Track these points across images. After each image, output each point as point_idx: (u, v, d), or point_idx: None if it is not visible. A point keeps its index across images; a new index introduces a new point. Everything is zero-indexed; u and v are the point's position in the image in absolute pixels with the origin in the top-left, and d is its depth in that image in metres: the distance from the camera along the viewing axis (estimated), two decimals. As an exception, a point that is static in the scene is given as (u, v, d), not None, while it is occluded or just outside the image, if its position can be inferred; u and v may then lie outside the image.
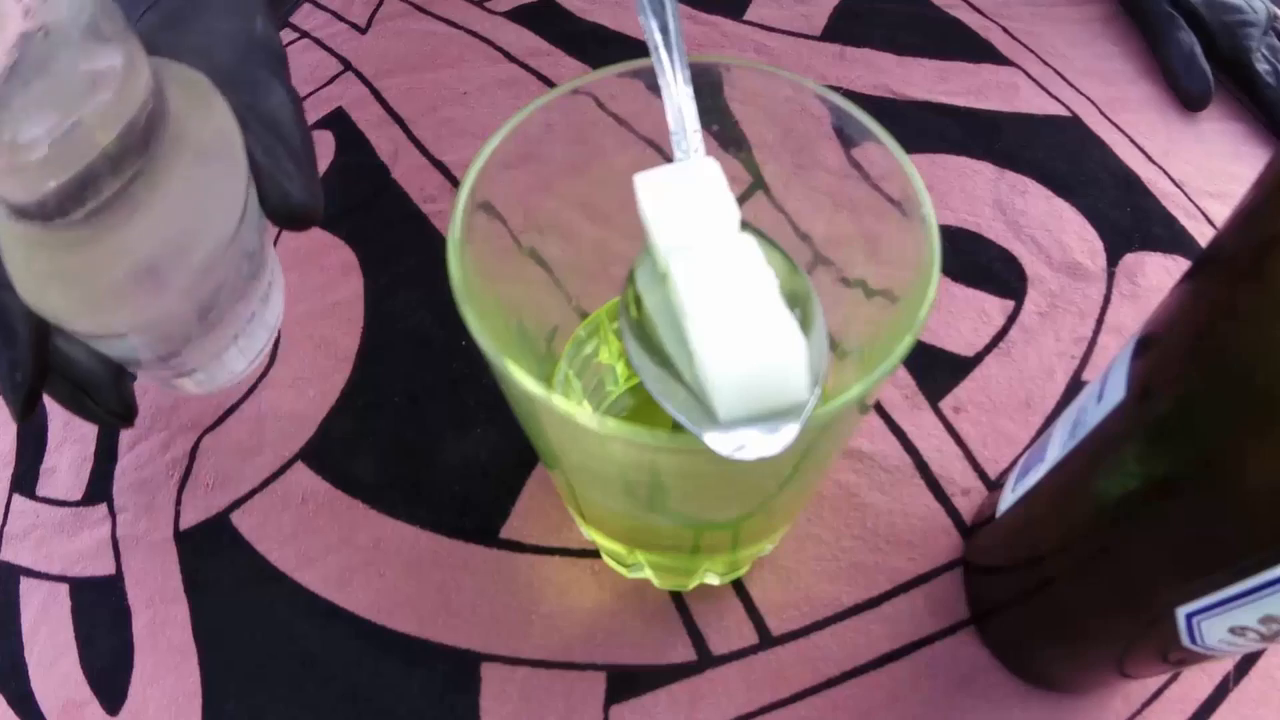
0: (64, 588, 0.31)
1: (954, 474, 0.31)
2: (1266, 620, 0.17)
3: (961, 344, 0.34)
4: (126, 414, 0.25)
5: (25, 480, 0.34)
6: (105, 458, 0.33)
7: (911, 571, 0.29)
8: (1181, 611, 0.19)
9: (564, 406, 0.16)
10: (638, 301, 0.19)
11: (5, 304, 0.22)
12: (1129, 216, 0.37)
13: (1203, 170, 0.38)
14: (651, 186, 0.18)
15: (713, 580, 0.29)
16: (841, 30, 0.43)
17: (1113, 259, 0.36)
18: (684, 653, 0.28)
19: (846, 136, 0.20)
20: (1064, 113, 0.40)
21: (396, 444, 0.32)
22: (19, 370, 0.22)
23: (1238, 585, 0.17)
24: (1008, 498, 0.26)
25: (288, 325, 0.35)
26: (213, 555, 0.31)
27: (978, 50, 0.42)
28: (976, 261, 0.35)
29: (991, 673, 0.27)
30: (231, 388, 0.26)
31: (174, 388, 0.26)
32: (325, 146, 0.40)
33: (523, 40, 0.44)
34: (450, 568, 0.30)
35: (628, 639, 0.28)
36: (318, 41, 0.45)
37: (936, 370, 0.33)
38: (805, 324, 0.17)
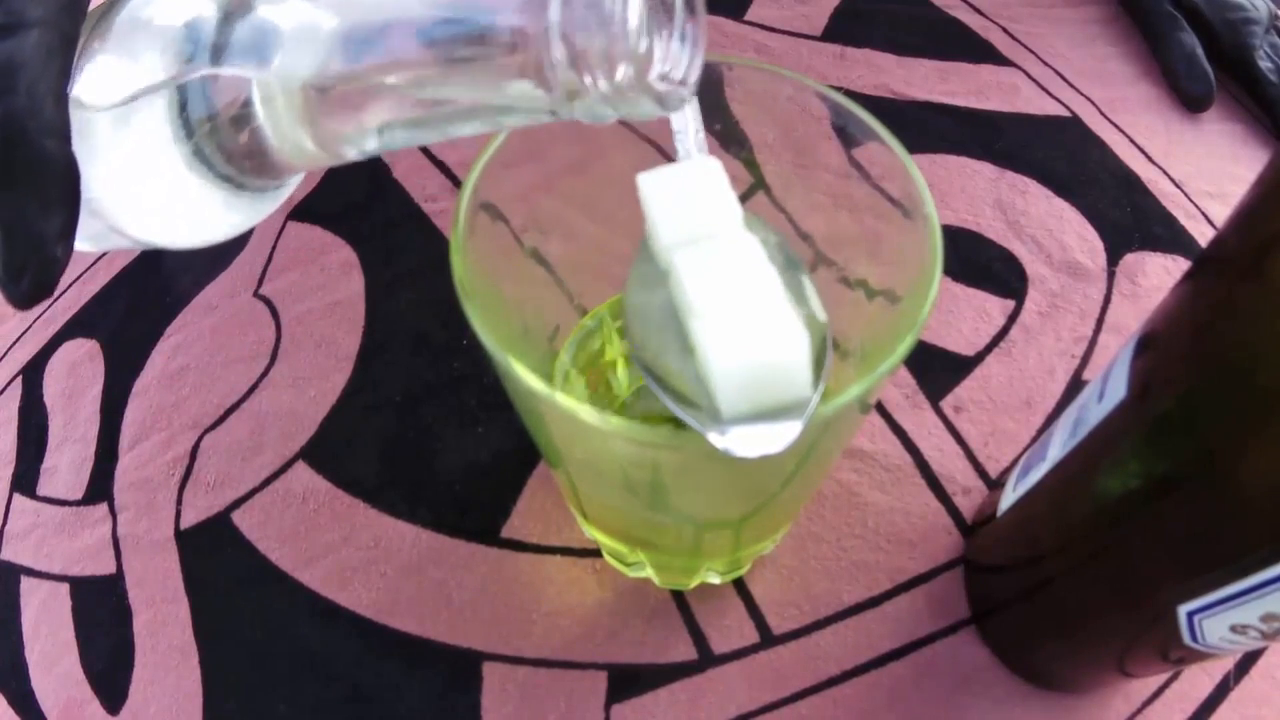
0: (64, 587, 0.31)
1: (955, 473, 0.31)
2: (1267, 618, 0.17)
3: (962, 343, 0.34)
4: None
5: (25, 480, 0.34)
6: (105, 457, 0.33)
7: (912, 570, 0.29)
8: (1182, 610, 0.19)
9: (567, 403, 0.16)
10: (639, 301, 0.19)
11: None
12: (1129, 216, 0.37)
13: (1203, 170, 0.38)
14: (655, 186, 0.18)
15: (714, 579, 0.29)
16: (842, 30, 0.43)
17: (1113, 259, 0.36)
18: (685, 652, 0.28)
19: (848, 136, 0.20)
20: (1064, 113, 0.40)
21: (397, 444, 0.32)
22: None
23: (1239, 583, 0.17)
24: (1009, 497, 0.26)
25: (289, 324, 0.35)
26: (213, 555, 0.31)
27: (978, 51, 0.42)
28: (977, 261, 0.35)
29: (992, 672, 0.27)
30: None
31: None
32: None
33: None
34: (451, 567, 0.30)
35: (629, 638, 0.28)
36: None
37: (937, 370, 0.33)
38: (807, 322, 0.17)
